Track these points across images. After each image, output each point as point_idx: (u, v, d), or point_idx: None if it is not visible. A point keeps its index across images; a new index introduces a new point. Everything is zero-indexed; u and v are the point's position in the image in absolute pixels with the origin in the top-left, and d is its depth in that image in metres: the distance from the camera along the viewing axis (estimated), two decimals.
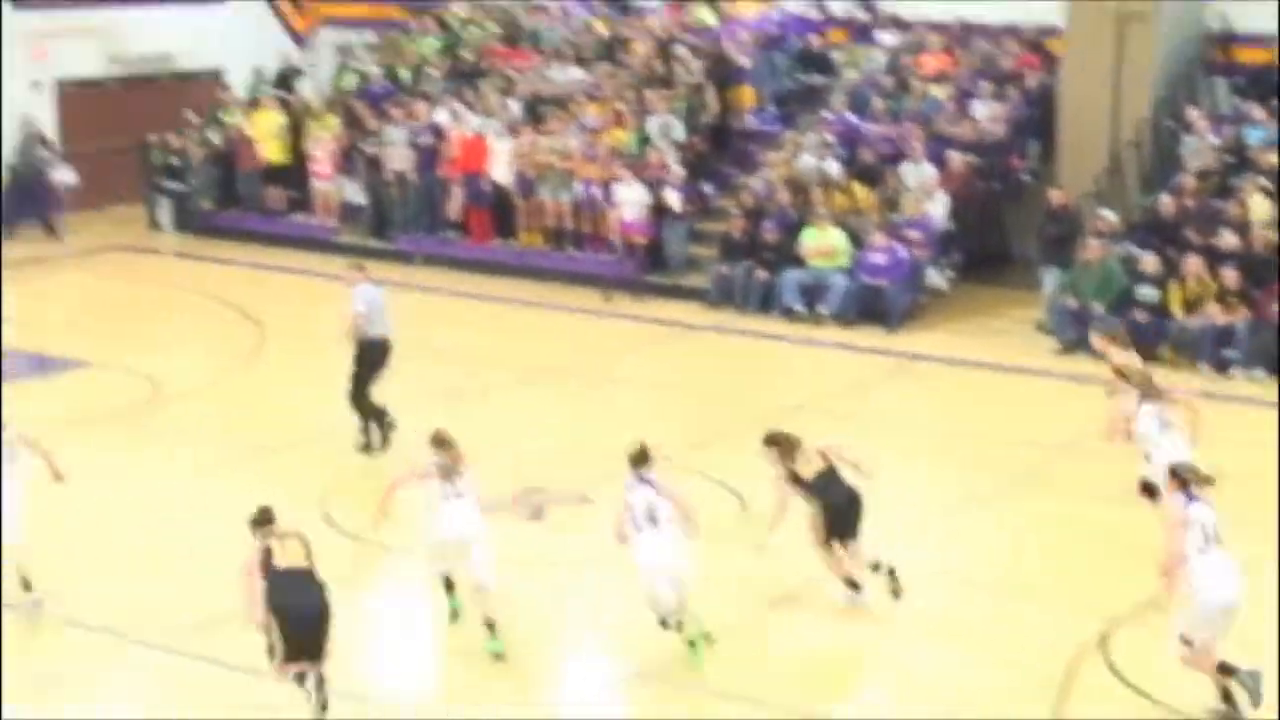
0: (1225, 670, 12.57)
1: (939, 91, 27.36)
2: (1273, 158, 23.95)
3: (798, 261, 25.11)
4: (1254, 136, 24.72)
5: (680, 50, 28.91)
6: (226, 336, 24.18)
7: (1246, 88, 26.12)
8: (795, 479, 14.54)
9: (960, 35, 28.70)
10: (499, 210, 28.20)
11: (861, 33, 29.82)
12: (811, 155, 26.44)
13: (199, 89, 33.72)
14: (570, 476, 17.47)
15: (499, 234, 28.22)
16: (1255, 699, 12.50)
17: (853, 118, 27.29)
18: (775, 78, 29.20)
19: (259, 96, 31.89)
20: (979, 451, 19.13)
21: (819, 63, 29.41)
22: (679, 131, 27.33)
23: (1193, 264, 22.57)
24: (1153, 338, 21.98)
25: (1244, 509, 14.75)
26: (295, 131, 30.67)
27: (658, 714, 13.36)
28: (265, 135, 30.63)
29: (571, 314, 25.57)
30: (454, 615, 14.23)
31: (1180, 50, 26.40)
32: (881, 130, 26.81)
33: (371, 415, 18.86)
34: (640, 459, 13.85)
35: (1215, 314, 22.24)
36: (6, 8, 31.69)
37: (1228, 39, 26.83)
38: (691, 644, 13.54)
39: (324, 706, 12.20)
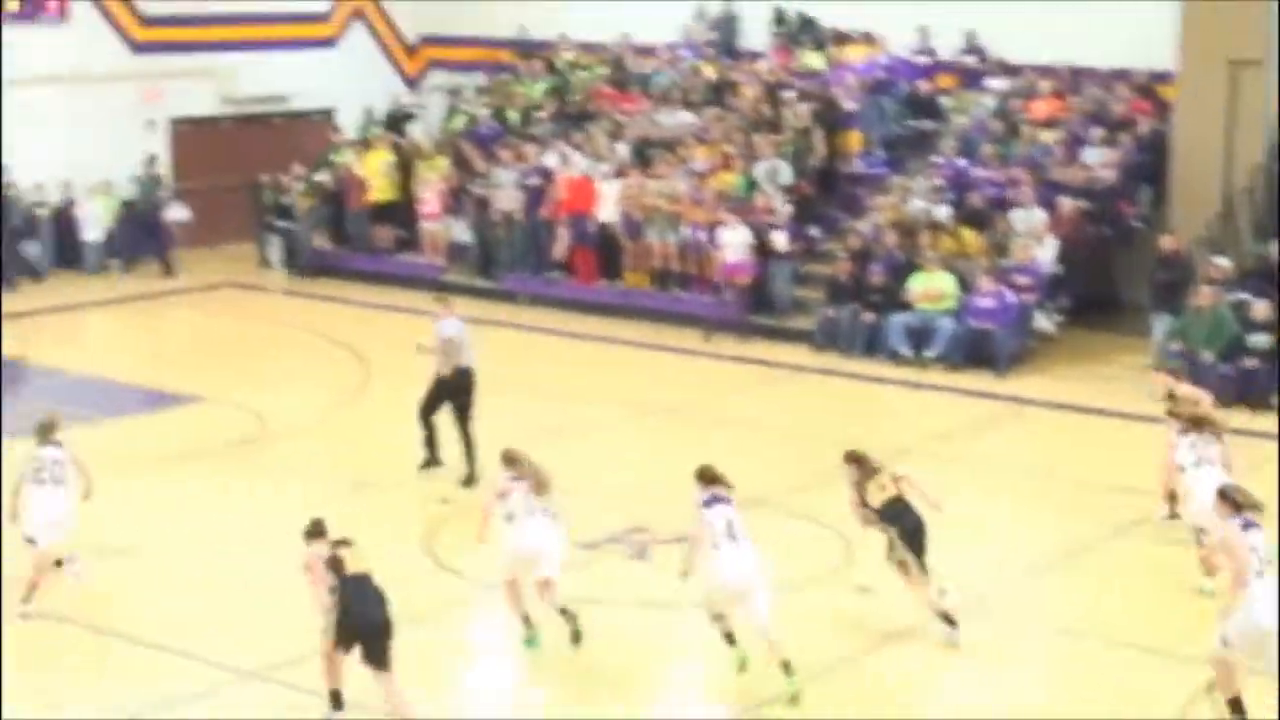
0: (1236, 708, 12.45)
1: (1049, 136, 27.21)
2: None
3: (904, 305, 25.02)
4: None
5: (788, 94, 28.93)
6: (334, 374, 24.38)
7: None
8: (863, 503, 14.66)
9: (1070, 80, 28.53)
10: (605, 251, 28.30)
11: (971, 78, 29.71)
12: (920, 199, 26.36)
13: (310, 129, 34.19)
14: (674, 516, 17.41)
15: (604, 275, 28.32)
16: None
17: (962, 162, 27.18)
18: (883, 122, 29.15)
19: (370, 137, 32.22)
20: (1085, 497, 18.93)
21: (927, 107, 29.33)
22: (786, 175, 27.33)
23: None
24: (1264, 385, 21.68)
25: None
26: (404, 172, 30.96)
27: None
28: (375, 175, 30.95)
29: (676, 355, 25.61)
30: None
31: None
32: (991, 175, 26.68)
33: (429, 434, 19.27)
34: (712, 477, 13.97)
35: None
36: (125, 50, 32.27)
37: None
38: (785, 665, 13.42)
39: None
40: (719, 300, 26.54)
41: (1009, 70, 29.30)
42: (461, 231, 30.08)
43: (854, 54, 30.65)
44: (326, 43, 35.41)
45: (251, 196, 32.41)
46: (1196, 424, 16.24)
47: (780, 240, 26.32)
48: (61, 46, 31.26)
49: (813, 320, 26.00)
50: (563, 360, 25.60)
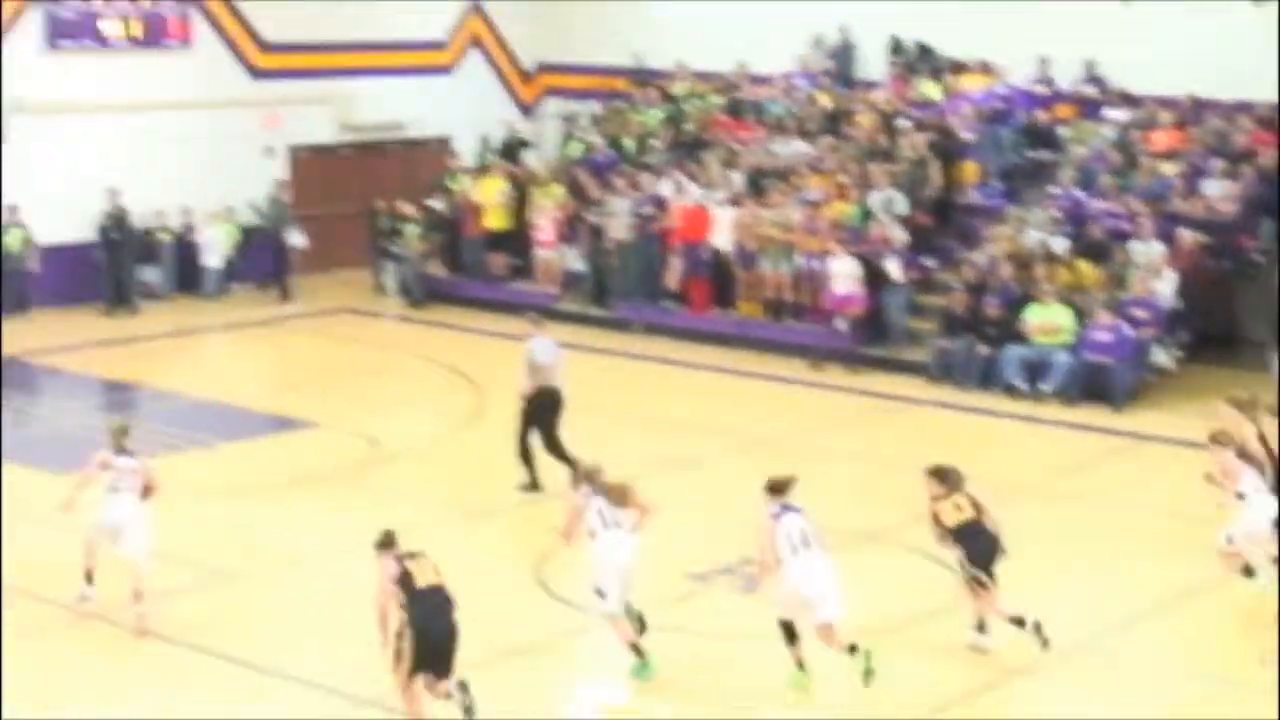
0: None
1: (1169, 168, 26.90)
2: None
3: (1020, 337, 24.79)
4: None
5: (904, 124, 28.79)
6: (448, 400, 24.48)
7: None
8: (937, 521, 14.72)
9: (1191, 111, 28.20)
10: (718, 280, 28.26)
11: (1090, 108, 29.41)
12: (1037, 231, 26.12)
13: (426, 156, 34.43)
14: None
15: (718, 304, 28.28)
16: None
17: (1080, 194, 26.92)
18: (1000, 153, 28.93)
19: (487, 164, 32.38)
20: (1204, 534, 18.58)
21: (1046, 138, 29.09)
22: (902, 205, 27.17)
23: None
24: None
25: None
26: (520, 199, 31.08)
27: None
28: (491, 202, 31.08)
29: (789, 385, 25.51)
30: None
31: None
32: (1109, 207, 26.39)
33: (527, 459, 19.54)
34: (782, 487, 14.27)
35: None
36: (246, 76, 32.64)
37: None
38: (868, 672, 13.70)
39: (470, 710, 12.77)
40: (831, 331, 26.41)
41: (1129, 101, 28.99)
42: (575, 259, 30.15)
43: (971, 84, 30.46)
44: (443, 70, 35.65)
45: (367, 223, 32.67)
46: (1246, 455, 16.31)
47: (895, 271, 26.17)
48: (183, 73, 31.67)
49: (927, 352, 25.82)
50: (675, 390, 25.58)
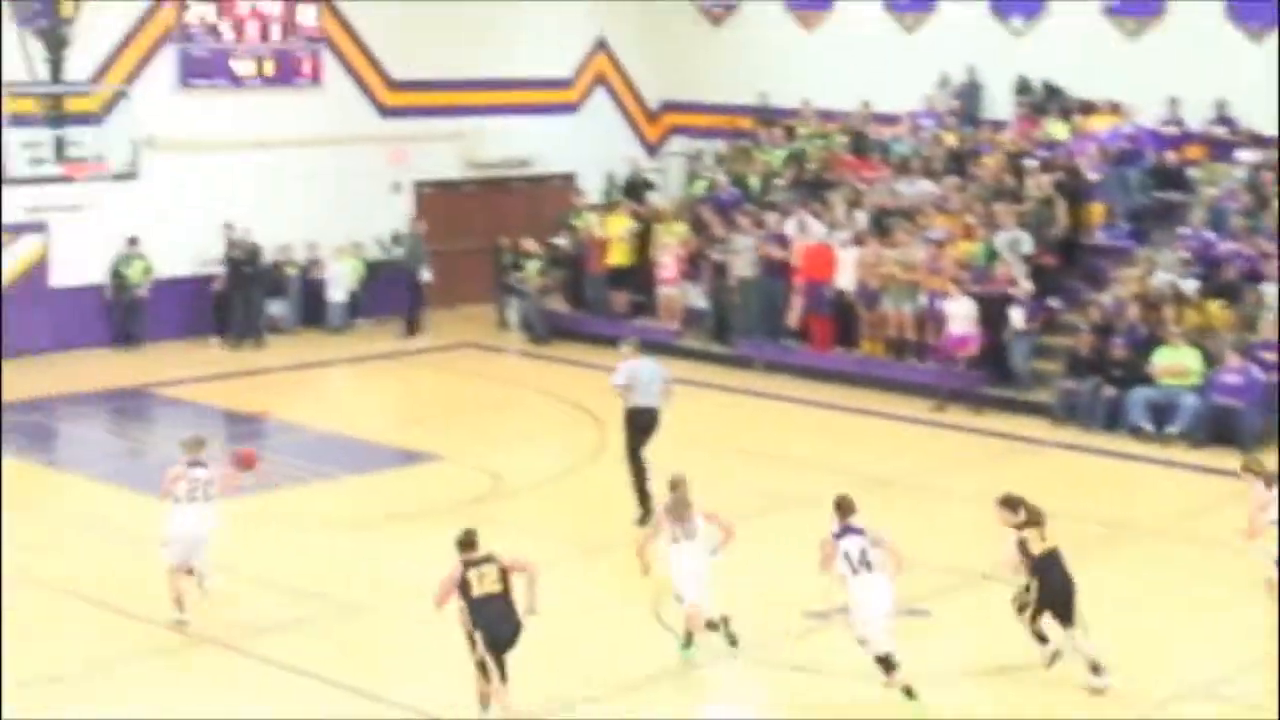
0: None
1: None
2: None
3: (1147, 379, 24.51)
4: None
5: (1030, 164, 28.60)
6: (570, 436, 24.55)
7: None
8: (1024, 550, 14.93)
9: None
10: (841, 319, 28.17)
11: (1221, 149, 29.07)
12: (1166, 272, 25.83)
13: (551, 193, 34.67)
14: (904, 588, 17.21)
15: (840, 342, 28.18)
16: None
17: (1210, 235, 26.60)
18: (1127, 193, 28.66)
19: (612, 201, 32.51)
20: None
21: (1175, 179, 28.77)
22: (1027, 245, 26.96)
23: None
24: None
25: None
26: (643, 236, 31.16)
27: None
28: (616, 239, 31.19)
29: (910, 424, 25.36)
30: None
31: None
32: (1240, 248, 26.05)
33: (637, 480, 19.91)
34: (847, 507, 14.81)
35: None
36: (374, 114, 33.04)
37: None
38: (907, 692, 14.15)
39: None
40: (954, 371, 26.24)
41: (1260, 142, 28.61)
42: (697, 296, 30.18)
43: (1098, 124, 30.22)
44: (569, 108, 35.89)
45: (492, 258, 32.90)
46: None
47: (1018, 319, 25.97)
48: (313, 111, 32.09)
49: (1051, 393, 25.58)
50: (795, 428, 25.50)
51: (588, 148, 35.10)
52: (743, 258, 29.19)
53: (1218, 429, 23.81)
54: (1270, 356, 24.11)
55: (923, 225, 28.20)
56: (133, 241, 29.72)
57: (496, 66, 34.19)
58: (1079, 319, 26.17)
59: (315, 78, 32.22)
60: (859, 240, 28.27)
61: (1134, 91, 29.92)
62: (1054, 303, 27.01)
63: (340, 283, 32.05)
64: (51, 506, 20.62)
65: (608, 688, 14.71)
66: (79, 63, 29.12)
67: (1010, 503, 15.24)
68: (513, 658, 14.13)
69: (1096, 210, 28.48)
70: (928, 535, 19.34)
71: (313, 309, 32.00)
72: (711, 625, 15.42)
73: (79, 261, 29.44)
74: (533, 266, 31.69)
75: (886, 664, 14.29)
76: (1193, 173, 28.80)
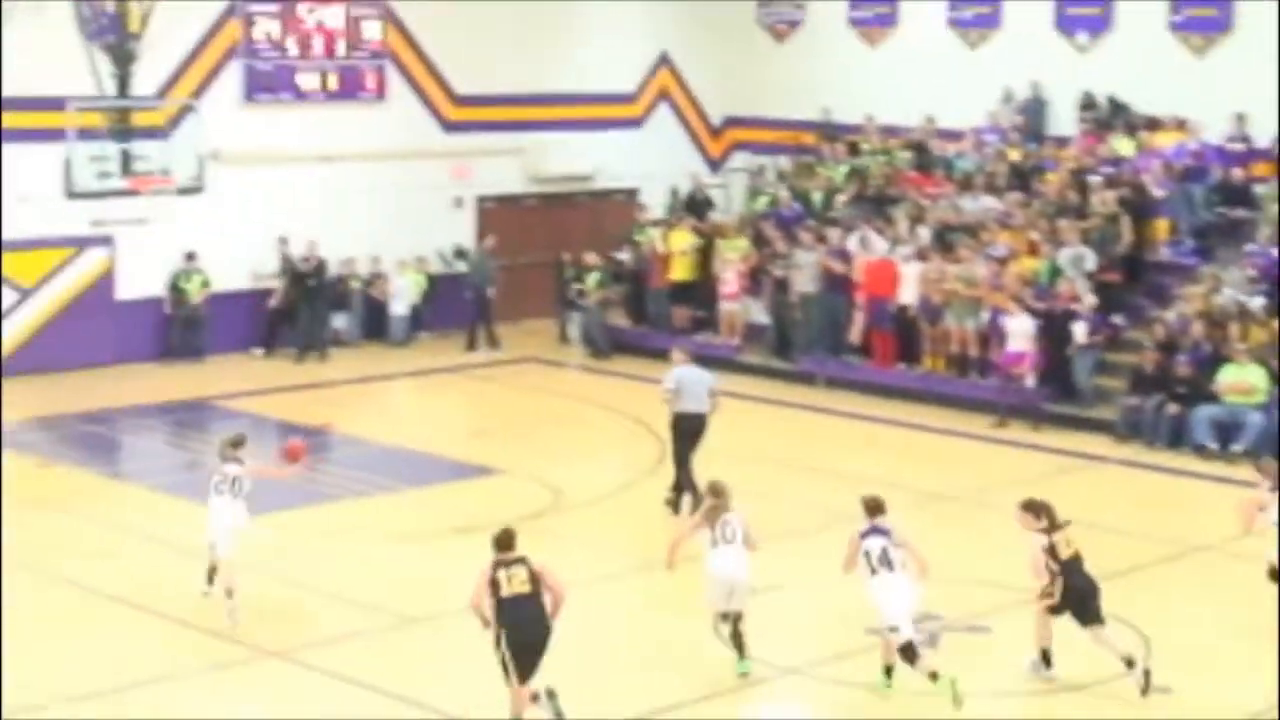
0: None
1: None
2: None
3: (1211, 397, 24.34)
4: None
5: (1095, 180, 28.45)
6: (630, 450, 24.54)
7: None
8: (1053, 554, 15.14)
9: None
10: (902, 335, 28.10)
11: None
12: (1232, 289, 25.65)
13: (613, 208, 34.72)
14: (963, 604, 17.16)
15: (902, 359, 28.11)
16: None
17: (1276, 252, 26.38)
18: (1192, 210, 28.49)
19: (675, 216, 32.53)
20: None
21: (1240, 195, 28.58)
22: (1091, 262, 26.83)
23: None
24: None
25: None
26: (705, 252, 31.15)
27: None
28: (677, 254, 31.19)
29: (972, 441, 25.26)
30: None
31: None
32: None
33: (687, 485, 20.43)
34: (876, 508, 15.13)
35: None
36: (437, 128, 33.17)
37: None
38: (933, 676, 14.40)
39: (559, 717, 13.63)
40: (1016, 387, 26.12)
41: None
42: (759, 312, 30.15)
43: (1164, 140, 30.04)
44: (633, 123, 35.95)
45: (554, 273, 32.96)
46: None
47: (1080, 334, 25.83)
48: (378, 125, 32.23)
49: (1114, 410, 25.43)
50: (856, 444, 25.43)
51: (650, 163, 35.13)
52: (804, 273, 29.15)
53: None
54: None
55: (986, 241, 28.09)
56: (190, 256, 29.91)
57: (560, 81, 34.30)
58: (1143, 336, 26.03)
59: (379, 93, 32.37)
60: (921, 256, 28.19)
61: (1200, 108, 29.77)
62: (1118, 319, 26.86)
63: (403, 296, 32.18)
64: (114, 517, 20.76)
65: (666, 703, 14.67)
66: (145, 77, 29.33)
67: (1033, 507, 15.44)
68: (565, 674, 14.14)
69: (1161, 227, 28.34)
70: (987, 552, 19.25)
71: (375, 322, 32.14)
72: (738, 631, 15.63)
73: (144, 275, 29.67)
74: (594, 281, 31.74)
75: (908, 653, 14.60)
76: (1259, 189, 28.60)
